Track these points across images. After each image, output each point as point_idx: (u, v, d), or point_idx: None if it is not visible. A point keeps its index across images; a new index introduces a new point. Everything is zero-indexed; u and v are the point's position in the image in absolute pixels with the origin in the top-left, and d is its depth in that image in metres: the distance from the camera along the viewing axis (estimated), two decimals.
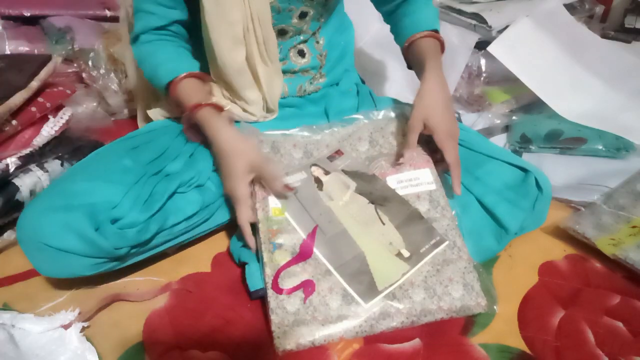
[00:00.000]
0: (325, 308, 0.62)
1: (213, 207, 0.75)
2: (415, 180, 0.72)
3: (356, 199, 0.71)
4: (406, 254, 0.66)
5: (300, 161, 0.76)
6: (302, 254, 0.66)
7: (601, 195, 0.84)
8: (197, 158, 0.75)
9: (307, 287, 0.63)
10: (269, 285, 0.64)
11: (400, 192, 0.71)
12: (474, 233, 0.70)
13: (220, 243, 0.80)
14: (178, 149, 0.74)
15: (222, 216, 0.77)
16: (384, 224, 0.69)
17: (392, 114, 0.81)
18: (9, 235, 0.78)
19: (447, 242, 0.67)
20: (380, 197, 0.71)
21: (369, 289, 0.63)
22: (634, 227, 0.77)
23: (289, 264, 0.65)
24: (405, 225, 0.68)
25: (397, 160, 0.74)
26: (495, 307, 0.65)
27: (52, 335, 0.61)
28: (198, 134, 0.75)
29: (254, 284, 0.67)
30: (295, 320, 0.61)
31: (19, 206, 0.76)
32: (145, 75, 0.78)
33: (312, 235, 0.67)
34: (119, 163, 0.69)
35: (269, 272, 0.65)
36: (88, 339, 0.62)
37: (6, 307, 0.67)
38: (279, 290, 0.63)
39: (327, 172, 0.74)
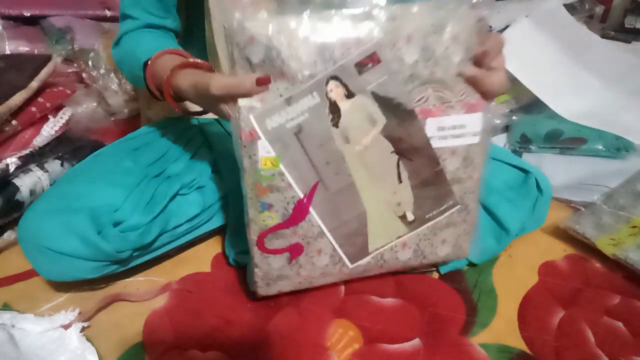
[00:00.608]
0: (310, 267, 0.60)
1: (214, 208, 0.75)
2: (460, 128, 0.56)
3: (379, 144, 0.55)
4: (410, 217, 0.60)
5: (313, 70, 0.49)
6: (295, 218, 0.55)
7: (601, 195, 0.84)
8: (197, 159, 0.75)
9: (294, 250, 0.58)
10: (254, 242, 0.57)
11: (436, 143, 0.56)
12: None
13: (220, 243, 0.80)
14: (179, 150, 0.74)
15: (223, 218, 0.77)
16: (400, 181, 0.57)
17: (455, 10, 0.51)
18: (9, 235, 0.78)
19: (458, 207, 0.61)
20: (410, 148, 0.56)
21: (360, 251, 0.61)
22: (634, 227, 0.77)
23: (277, 227, 0.56)
24: (422, 187, 0.58)
25: (468, 72, 0.53)
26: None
27: (52, 336, 0.61)
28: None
29: None
30: (279, 275, 0.60)
31: (19, 206, 0.76)
32: (124, 70, 0.72)
33: (310, 194, 0.55)
34: (119, 165, 0.69)
35: (255, 228, 0.56)
36: (88, 339, 0.61)
37: (6, 307, 0.67)
38: (264, 250, 0.58)
39: (349, 94, 0.52)
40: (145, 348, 0.62)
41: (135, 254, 0.67)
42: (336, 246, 0.59)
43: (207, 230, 0.76)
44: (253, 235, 0.57)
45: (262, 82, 0.49)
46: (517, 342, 0.63)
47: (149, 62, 0.64)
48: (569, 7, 1.24)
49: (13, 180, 0.76)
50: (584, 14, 1.36)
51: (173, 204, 0.69)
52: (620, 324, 0.65)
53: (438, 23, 0.51)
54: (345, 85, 0.51)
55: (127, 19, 0.71)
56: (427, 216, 0.60)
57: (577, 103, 1.06)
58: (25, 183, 0.77)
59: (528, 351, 0.61)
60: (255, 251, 0.58)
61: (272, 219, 0.55)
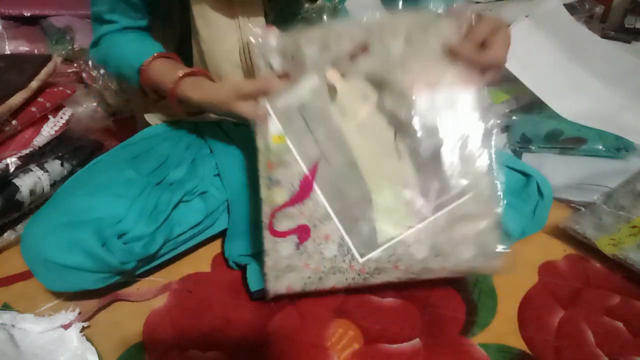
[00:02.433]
0: (318, 257, 0.60)
1: (216, 214, 0.74)
2: (452, 104, 0.59)
3: (375, 119, 0.60)
4: (419, 202, 0.59)
5: (314, 58, 0.60)
6: (301, 194, 0.60)
7: (601, 195, 0.84)
8: (199, 164, 0.74)
9: (301, 232, 0.60)
10: (266, 226, 0.60)
11: (429, 118, 0.59)
12: None
13: (220, 243, 0.80)
14: (180, 156, 0.73)
15: (225, 222, 0.76)
16: (400, 158, 0.60)
17: (443, 13, 0.61)
18: (9, 235, 0.78)
19: (470, 194, 0.59)
20: (405, 122, 0.59)
21: (368, 241, 0.60)
22: (634, 227, 0.77)
23: (285, 205, 0.60)
24: (426, 167, 0.59)
25: (453, 53, 0.59)
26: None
27: (52, 335, 0.61)
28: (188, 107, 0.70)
29: (255, 284, 0.67)
30: (287, 265, 0.60)
31: (19, 206, 0.76)
32: (111, 68, 0.75)
33: (313, 168, 0.60)
34: (120, 175, 0.68)
35: (267, 210, 0.60)
36: (88, 339, 0.61)
37: (6, 307, 0.67)
38: (273, 232, 0.60)
39: (344, 77, 0.61)
40: (145, 348, 0.62)
41: (139, 264, 0.67)
42: (343, 232, 0.60)
43: (210, 235, 0.76)
44: (265, 217, 0.60)
45: (285, 77, 0.60)
46: (517, 342, 0.63)
47: (143, 68, 0.69)
48: (569, 7, 1.24)
49: (13, 180, 0.76)
50: (584, 14, 1.36)
51: (176, 212, 0.69)
52: (620, 324, 0.65)
53: (422, 24, 0.60)
54: (340, 70, 0.61)
55: (103, 24, 0.73)
56: (437, 201, 0.59)
57: (577, 103, 1.06)
58: (25, 183, 0.77)
59: (528, 351, 0.61)
60: (266, 235, 0.60)
61: (280, 195, 0.60)
